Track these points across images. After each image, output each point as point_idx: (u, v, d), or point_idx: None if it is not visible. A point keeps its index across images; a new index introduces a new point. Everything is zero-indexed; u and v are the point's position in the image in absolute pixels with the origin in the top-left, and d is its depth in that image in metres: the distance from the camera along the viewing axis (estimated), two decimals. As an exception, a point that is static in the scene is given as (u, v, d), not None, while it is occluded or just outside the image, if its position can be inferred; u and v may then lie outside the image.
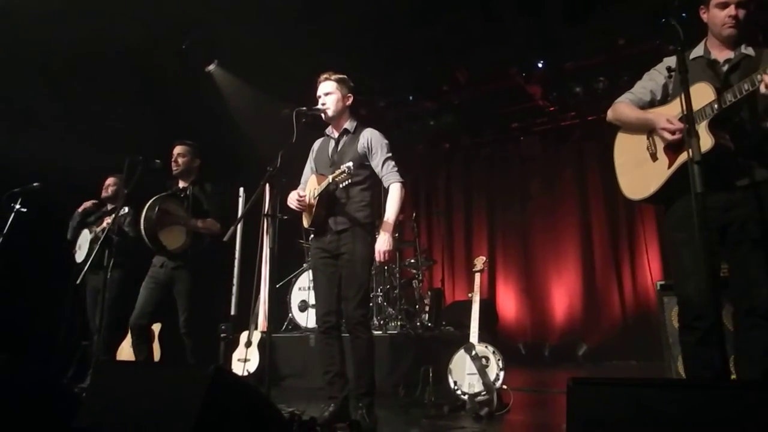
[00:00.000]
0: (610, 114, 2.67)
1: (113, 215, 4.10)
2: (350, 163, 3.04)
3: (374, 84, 7.29)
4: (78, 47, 4.98)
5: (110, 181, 5.05)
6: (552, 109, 7.78)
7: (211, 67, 6.67)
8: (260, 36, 5.84)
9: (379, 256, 3.18)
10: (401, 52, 6.58)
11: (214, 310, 4.77)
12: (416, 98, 7.81)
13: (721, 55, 2.45)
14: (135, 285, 4.25)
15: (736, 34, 2.38)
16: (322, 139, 3.57)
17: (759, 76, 2.12)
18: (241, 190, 4.90)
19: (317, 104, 3.37)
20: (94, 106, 5.26)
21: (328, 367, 3.25)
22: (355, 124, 3.44)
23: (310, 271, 5.79)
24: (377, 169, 3.33)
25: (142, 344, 4.12)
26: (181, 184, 4.36)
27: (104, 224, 4.42)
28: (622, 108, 2.63)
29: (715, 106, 2.22)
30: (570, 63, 6.96)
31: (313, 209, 3.28)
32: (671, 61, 2.54)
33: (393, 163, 3.33)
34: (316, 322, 3.39)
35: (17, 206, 4.40)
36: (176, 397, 1.86)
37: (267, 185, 3.25)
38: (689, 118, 1.97)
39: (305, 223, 3.45)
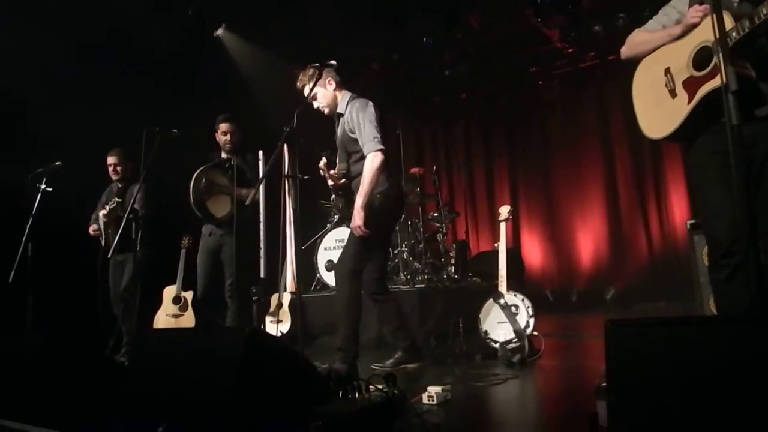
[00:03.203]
0: (624, 50, 2.55)
1: (121, 196, 4.42)
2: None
3: (386, 36, 7.13)
4: (84, 27, 4.92)
5: (111, 160, 4.83)
6: (571, 50, 7.54)
7: (219, 32, 6.57)
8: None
9: (355, 231, 3.28)
10: (411, 1, 6.39)
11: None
12: (430, 48, 7.61)
13: None
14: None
15: None
16: None
17: None
18: (260, 153, 4.87)
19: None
20: (104, 80, 5.21)
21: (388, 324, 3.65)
22: (345, 103, 3.44)
23: (336, 230, 5.84)
24: (360, 143, 3.32)
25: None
26: (224, 155, 4.49)
27: (107, 208, 4.58)
28: (638, 35, 2.50)
29: (734, 34, 2.11)
30: (588, 0, 6.70)
31: None
32: None
33: (369, 129, 3.26)
34: None
35: (43, 186, 4.45)
36: (215, 359, 1.89)
37: (285, 146, 3.24)
38: (722, 39, 1.86)
39: None
